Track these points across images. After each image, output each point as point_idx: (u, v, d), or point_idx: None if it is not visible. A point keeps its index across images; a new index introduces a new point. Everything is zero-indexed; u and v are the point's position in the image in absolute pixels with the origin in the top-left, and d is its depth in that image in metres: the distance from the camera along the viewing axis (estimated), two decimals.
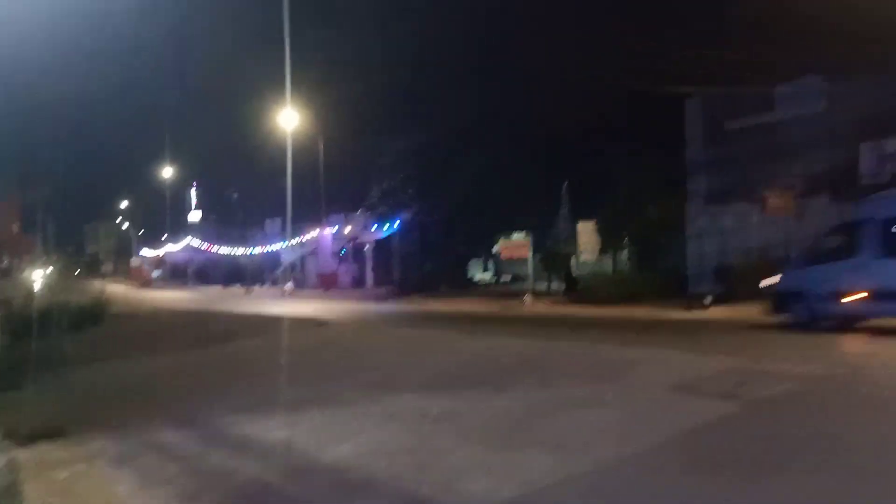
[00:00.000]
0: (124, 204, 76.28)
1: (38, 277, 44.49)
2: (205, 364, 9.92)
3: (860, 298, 10.72)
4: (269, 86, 36.17)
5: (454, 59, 29.21)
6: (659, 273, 27.17)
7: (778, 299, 12.92)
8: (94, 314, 15.20)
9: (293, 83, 34.76)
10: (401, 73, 31.60)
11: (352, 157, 37.04)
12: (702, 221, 26.16)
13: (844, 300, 10.90)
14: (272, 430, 6.12)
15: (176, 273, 65.01)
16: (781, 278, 13.24)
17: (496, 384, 7.47)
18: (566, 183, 26.41)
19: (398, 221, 36.35)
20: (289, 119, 35.19)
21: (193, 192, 65.57)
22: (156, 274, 65.93)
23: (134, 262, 71.88)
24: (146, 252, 68.17)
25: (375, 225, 37.95)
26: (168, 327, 15.12)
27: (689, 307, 19.44)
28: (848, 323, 11.20)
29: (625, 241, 28.71)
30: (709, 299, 20.34)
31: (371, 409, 6.66)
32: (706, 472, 4.50)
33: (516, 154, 28.84)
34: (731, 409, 6.05)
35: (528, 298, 25.77)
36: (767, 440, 5.07)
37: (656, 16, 25.72)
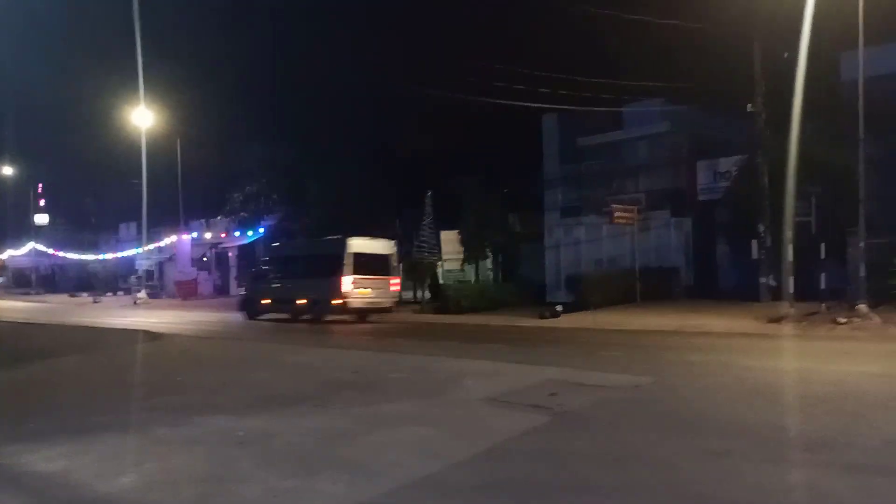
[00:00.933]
0: None
1: None
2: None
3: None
4: (125, 84, 34.27)
5: (319, 67, 28.73)
6: (519, 282, 27.90)
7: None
8: None
9: (149, 83, 33.10)
10: (263, 77, 30.78)
11: (213, 160, 35.65)
12: (558, 233, 27.15)
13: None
14: (53, 459, 5.52)
15: (20, 280, 60.03)
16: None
17: (317, 401, 7.22)
18: (429, 192, 26.49)
19: (262, 228, 35.23)
20: (143, 118, 33.38)
21: (39, 193, 60.80)
22: None
23: None
24: None
25: (238, 231, 36.62)
26: None
27: (542, 315, 20.03)
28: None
29: (487, 251, 29.24)
30: (560, 308, 21.05)
31: (173, 434, 6.20)
32: (496, 493, 4.44)
33: (382, 163, 28.73)
34: (539, 423, 6.10)
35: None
36: (563, 457, 5.11)
37: (521, 39, 26.52)
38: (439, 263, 27.65)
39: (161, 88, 34.62)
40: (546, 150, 27.76)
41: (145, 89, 32.84)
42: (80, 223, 57.36)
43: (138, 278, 39.32)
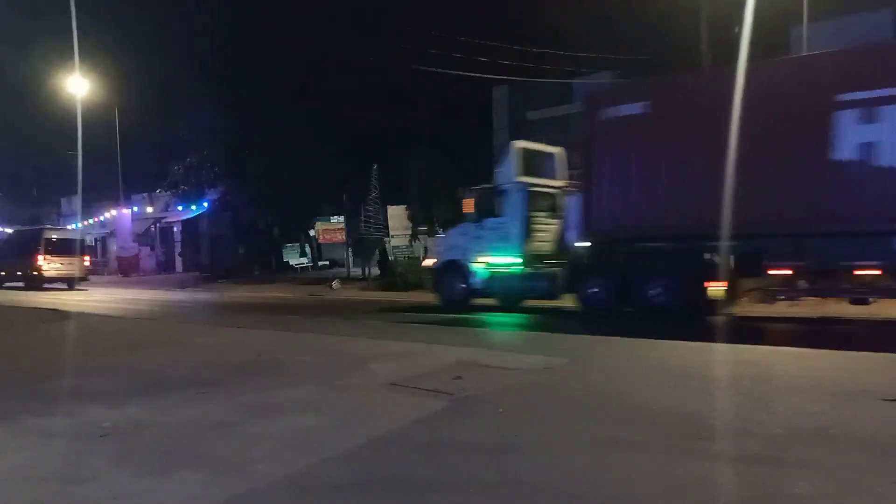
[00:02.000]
0: None
1: None
2: None
3: None
4: (60, 46, 32.65)
5: (263, 33, 27.70)
6: None
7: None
8: None
9: (85, 48, 31.60)
10: (204, 43, 29.59)
11: (153, 131, 34.39)
12: None
13: None
14: None
15: None
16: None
17: (209, 386, 6.71)
18: (375, 166, 25.89)
19: (206, 202, 34.22)
20: (78, 86, 31.92)
21: None
22: None
23: None
24: None
25: (181, 205, 35.54)
26: None
27: None
28: None
29: (436, 227, 28.80)
30: None
31: (35, 425, 5.64)
32: (356, 492, 4.01)
33: (327, 135, 27.93)
34: (435, 409, 5.70)
35: (336, 284, 25.16)
36: (446, 449, 4.70)
37: (472, 9, 25.87)
38: (386, 240, 27.17)
39: (98, 54, 33.14)
40: (496, 123, 27.32)
41: (81, 54, 31.42)
42: (21, 197, 55.38)
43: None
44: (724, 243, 11.17)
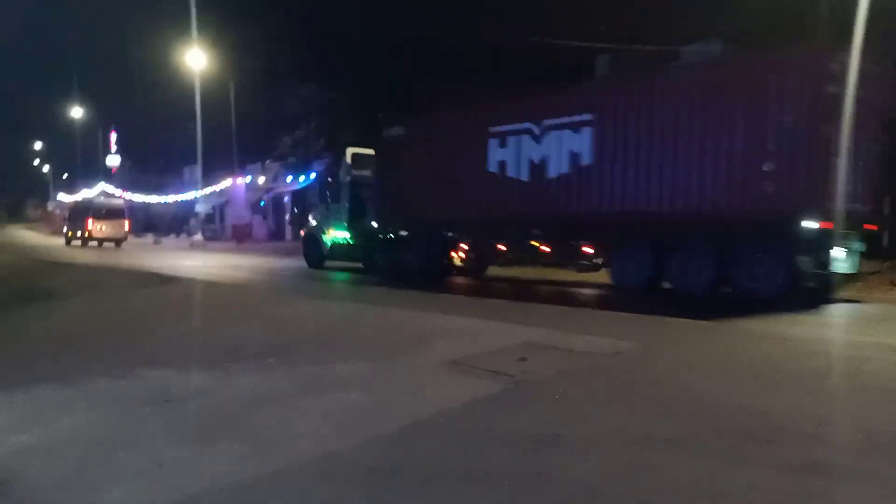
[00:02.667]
0: (39, 145, 72.78)
1: None
2: None
3: None
4: (183, 24, 34.20)
5: (367, 8, 27.88)
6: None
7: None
8: None
9: (203, 24, 32.97)
10: (312, 17, 30.14)
11: (265, 104, 35.55)
12: None
13: None
14: None
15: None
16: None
17: (272, 357, 6.80)
18: None
19: (314, 173, 35.09)
20: (196, 60, 33.41)
21: (112, 136, 62.50)
22: None
23: (50, 206, 68.92)
24: (63, 197, 65.21)
25: (290, 176, 36.64)
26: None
27: (580, 269, 19.17)
28: None
29: None
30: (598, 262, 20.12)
31: (107, 388, 5.89)
32: (385, 478, 3.88)
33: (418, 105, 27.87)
34: (489, 392, 5.49)
35: None
36: (487, 437, 4.48)
37: None
38: None
39: (216, 29, 34.47)
40: None
41: (199, 31, 32.82)
42: (148, 165, 58.89)
43: (197, 221, 40.16)
44: (452, 227, 16.13)
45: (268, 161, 37.60)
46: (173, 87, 39.69)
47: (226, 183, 40.66)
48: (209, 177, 43.80)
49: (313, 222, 20.56)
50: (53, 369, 6.56)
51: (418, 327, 8.24)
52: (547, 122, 14.16)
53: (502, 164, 14.78)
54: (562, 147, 13.86)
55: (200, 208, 37.85)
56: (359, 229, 18.48)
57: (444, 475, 3.89)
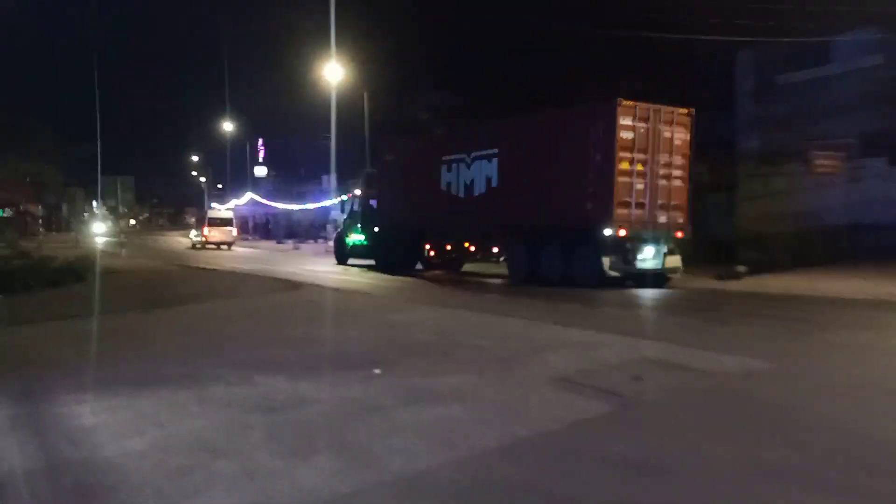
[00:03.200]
0: (196, 158, 78.59)
1: (100, 230, 46.50)
2: (114, 331, 9.50)
3: None
4: (322, 40, 35.67)
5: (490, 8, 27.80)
6: (705, 238, 25.49)
7: None
8: (77, 271, 15.22)
9: (340, 37, 34.19)
10: (447, 26, 30.44)
11: (396, 112, 36.35)
12: (751, 183, 24.27)
13: None
14: (98, 413, 5.57)
15: (243, 228, 66.65)
16: None
17: (378, 366, 6.77)
18: None
19: None
20: (333, 73, 34.66)
21: (258, 147, 66.38)
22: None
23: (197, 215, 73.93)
24: (216, 206, 69.98)
25: None
26: (138, 287, 14.88)
27: (719, 276, 18.07)
28: None
29: None
30: (742, 269, 18.88)
31: (216, 394, 6.07)
32: (475, 500, 3.70)
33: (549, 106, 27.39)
34: (596, 413, 5.15)
35: None
36: (585, 463, 4.17)
37: None
38: None
39: (351, 42, 35.62)
40: (739, 88, 24.74)
41: (337, 44, 34.04)
42: (291, 174, 61.97)
43: (332, 227, 41.71)
44: (422, 232, 20.22)
45: None
46: (313, 99, 41.47)
47: (358, 190, 41.96)
48: (345, 184, 45.46)
49: (338, 228, 26.38)
50: (179, 371, 6.87)
51: (533, 339, 7.98)
52: (474, 153, 18.38)
53: (448, 185, 19.10)
54: (482, 173, 18.07)
55: (335, 215, 39.25)
56: (369, 233, 22.94)
57: (534, 501, 3.64)
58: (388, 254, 21.23)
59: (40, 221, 60.29)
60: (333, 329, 9.28)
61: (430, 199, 19.39)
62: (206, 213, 46.24)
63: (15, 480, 4.17)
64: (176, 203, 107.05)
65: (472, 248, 19.25)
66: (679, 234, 16.15)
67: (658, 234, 15.35)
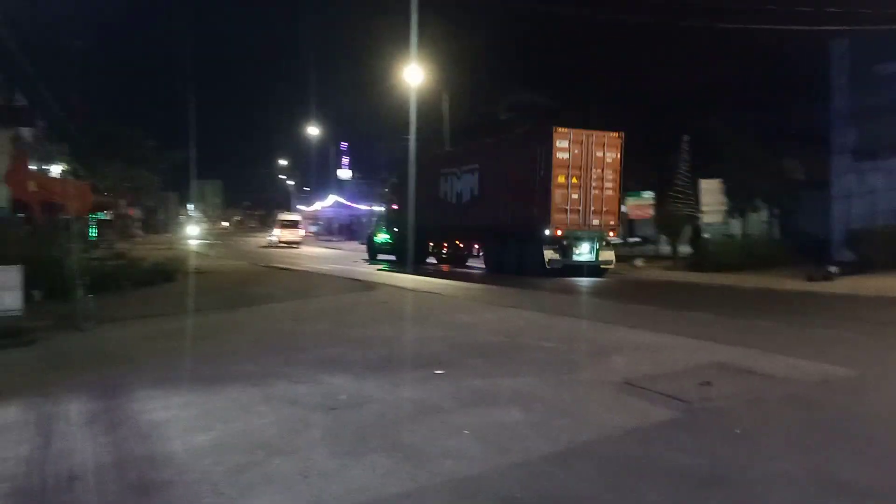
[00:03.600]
0: (283, 162, 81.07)
1: (193, 233, 48.61)
2: (195, 329, 9.81)
3: None
4: (405, 43, 36.11)
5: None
6: (797, 237, 24.35)
7: None
8: (167, 271, 15.90)
9: (423, 37, 34.48)
10: (524, 26, 30.24)
11: (476, 113, 36.32)
12: (847, 179, 23.02)
13: None
14: (169, 408, 5.79)
15: (329, 229, 68.27)
16: None
17: (440, 367, 6.77)
18: (686, 137, 24.03)
19: None
20: (413, 75, 34.99)
21: (343, 150, 67.73)
22: (313, 229, 69.39)
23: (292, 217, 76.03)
24: (301, 208, 71.88)
25: None
26: (221, 287, 15.35)
27: (811, 277, 17.21)
28: None
29: (756, 202, 25.98)
30: (834, 269, 17.93)
31: (282, 392, 6.20)
32: None
33: (632, 104, 26.69)
34: (659, 419, 4.97)
35: (639, 262, 24.25)
36: (643, 473, 4.02)
37: None
38: (700, 216, 25.21)
39: (430, 44, 35.87)
40: (834, 80, 23.41)
41: (419, 45, 34.33)
42: (374, 176, 62.92)
43: None
44: (427, 232, 23.81)
45: None
46: (395, 101, 41.99)
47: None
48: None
49: (369, 230, 30.53)
50: (250, 370, 7.07)
51: (600, 341, 7.79)
52: (462, 167, 23.07)
53: (445, 194, 23.64)
54: (468, 184, 22.56)
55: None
56: (392, 234, 26.77)
57: None
58: (405, 251, 23.61)
59: (139, 224, 63.60)
60: (401, 329, 9.34)
61: (432, 205, 23.37)
62: (277, 217, 53.90)
63: (85, 474, 4.37)
64: (266, 205, 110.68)
65: (462, 246, 23.37)
66: (612, 234, 19.79)
67: (592, 234, 18.94)
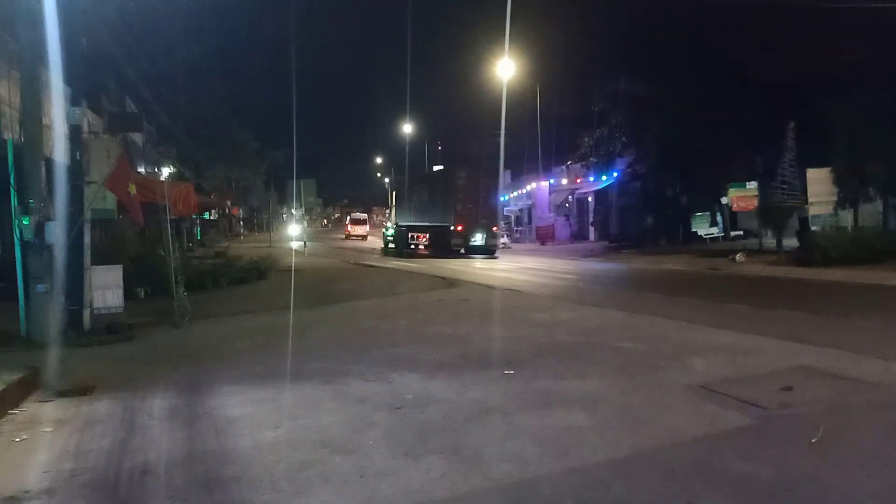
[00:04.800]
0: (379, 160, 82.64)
1: (294, 231, 50.22)
2: (280, 326, 10.08)
3: None
4: (499, 37, 36.06)
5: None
6: None
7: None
8: (260, 269, 16.53)
9: (514, 30, 34.27)
10: (610, 12, 29.47)
11: (568, 106, 35.79)
12: None
13: None
14: (244, 405, 6.01)
15: None
16: None
17: (512, 367, 6.71)
18: (792, 124, 22.69)
19: (616, 172, 34.45)
20: (506, 69, 34.84)
21: (438, 148, 68.27)
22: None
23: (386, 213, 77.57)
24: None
25: (593, 176, 36.42)
26: (310, 284, 15.68)
27: None
28: None
29: (870, 192, 24.24)
30: None
31: (353, 390, 6.31)
32: None
33: (735, 92, 25.44)
34: (732, 426, 4.72)
35: (740, 256, 23.19)
36: (706, 482, 3.82)
37: None
38: (806, 207, 23.82)
39: (523, 39, 35.63)
40: None
41: (511, 40, 34.16)
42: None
43: (509, 223, 42.05)
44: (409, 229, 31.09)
45: (569, 163, 37.83)
46: (488, 96, 41.98)
47: (531, 186, 41.86)
48: (518, 180, 45.60)
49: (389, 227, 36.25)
50: (325, 367, 7.25)
51: (680, 342, 7.50)
52: (422, 186, 35.11)
53: (413, 203, 34.02)
54: (423, 197, 33.60)
55: (508, 211, 39.52)
56: (394, 230, 33.03)
57: None
58: (397, 244, 31.25)
59: (241, 223, 66.42)
60: (478, 327, 9.32)
61: (410, 210, 33.50)
62: (349, 215, 69.07)
63: (157, 468, 4.59)
64: (364, 203, 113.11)
65: (419, 238, 30.04)
66: (494, 228, 30.72)
67: (481, 228, 29.10)
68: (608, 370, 6.42)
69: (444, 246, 28.79)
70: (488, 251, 28.96)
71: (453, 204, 29.86)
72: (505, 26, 32.63)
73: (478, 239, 29.00)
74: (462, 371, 6.75)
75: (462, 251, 28.83)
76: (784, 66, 23.66)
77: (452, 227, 29.30)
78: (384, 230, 36.74)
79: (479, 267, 22.72)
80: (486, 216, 29.82)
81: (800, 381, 5.59)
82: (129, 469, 4.57)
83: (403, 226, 31.75)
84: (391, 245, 33.04)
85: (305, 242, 39.03)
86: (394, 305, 11.89)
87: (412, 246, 30.54)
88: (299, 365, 7.49)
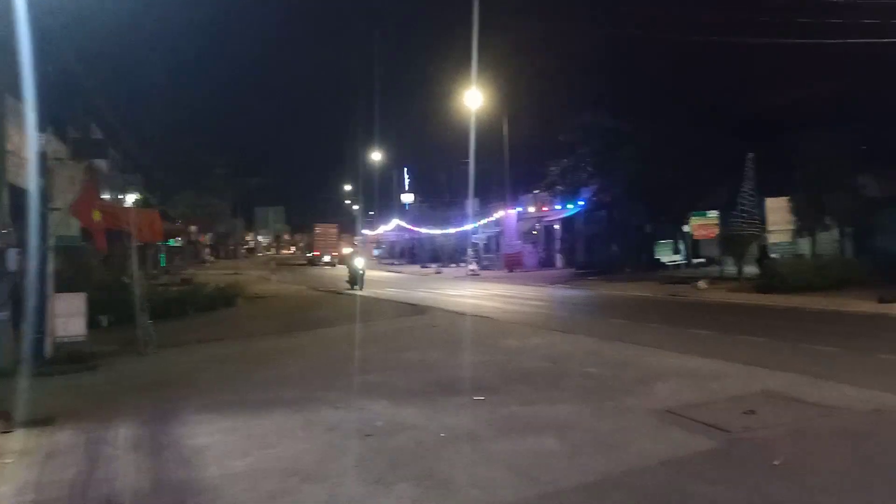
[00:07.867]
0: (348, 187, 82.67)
1: (259, 257, 49.80)
2: (249, 355, 10.12)
3: None
4: (461, 69, 36.53)
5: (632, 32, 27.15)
6: (874, 257, 23.25)
7: None
8: (228, 296, 16.38)
9: (482, 61, 34.79)
10: (580, 48, 30.17)
11: (536, 135, 36.36)
12: None
13: None
14: (212, 434, 5.95)
15: (391, 252, 69.05)
16: None
17: (483, 393, 6.75)
18: (750, 155, 23.36)
19: (581, 201, 34.94)
20: (473, 99, 35.27)
21: (405, 176, 68.54)
22: (376, 252, 70.38)
23: (357, 241, 77.29)
24: (367, 232, 72.99)
25: (559, 204, 36.87)
26: (278, 312, 15.71)
27: (883, 299, 16.37)
28: None
29: (827, 221, 24.95)
30: None
31: (323, 418, 6.28)
32: None
33: (698, 125, 26.16)
34: (694, 451, 4.81)
35: (702, 283, 23.56)
36: None
37: None
38: (766, 235, 24.43)
39: (490, 70, 36.18)
40: None
41: (479, 71, 34.63)
42: (437, 200, 63.36)
43: (476, 251, 42.22)
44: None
45: (536, 191, 38.30)
46: (457, 125, 42.43)
47: (499, 214, 42.19)
48: (487, 207, 45.96)
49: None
50: (295, 395, 7.21)
51: (645, 367, 7.62)
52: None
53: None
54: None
55: (475, 239, 39.72)
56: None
57: None
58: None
59: (207, 250, 65.70)
60: (447, 353, 9.35)
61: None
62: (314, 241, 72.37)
63: (123, 499, 4.52)
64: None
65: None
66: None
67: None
68: (577, 395, 6.50)
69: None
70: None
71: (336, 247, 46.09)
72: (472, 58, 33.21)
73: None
74: (433, 397, 6.77)
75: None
76: (748, 102, 24.42)
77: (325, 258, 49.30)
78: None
79: (449, 294, 22.76)
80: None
81: (762, 405, 5.73)
82: (94, 500, 4.50)
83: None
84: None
85: (274, 269, 38.78)
86: (363, 333, 11.87)
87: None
88: (269, 393, 7.44)
